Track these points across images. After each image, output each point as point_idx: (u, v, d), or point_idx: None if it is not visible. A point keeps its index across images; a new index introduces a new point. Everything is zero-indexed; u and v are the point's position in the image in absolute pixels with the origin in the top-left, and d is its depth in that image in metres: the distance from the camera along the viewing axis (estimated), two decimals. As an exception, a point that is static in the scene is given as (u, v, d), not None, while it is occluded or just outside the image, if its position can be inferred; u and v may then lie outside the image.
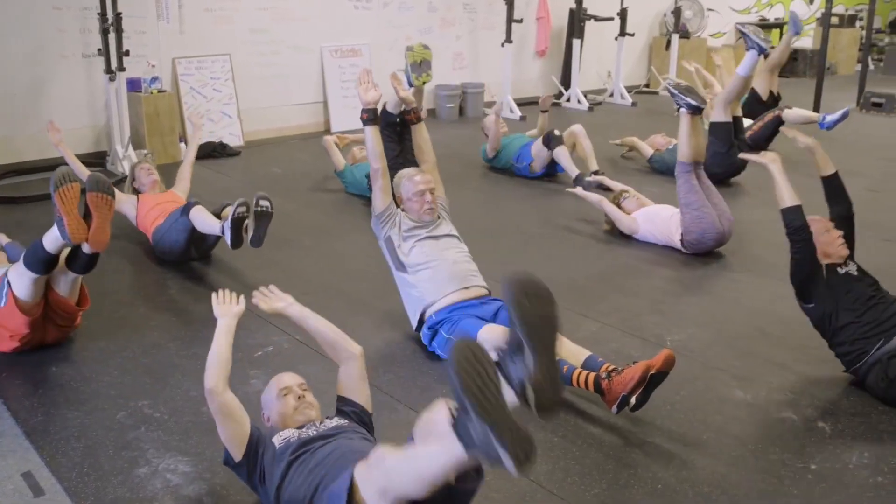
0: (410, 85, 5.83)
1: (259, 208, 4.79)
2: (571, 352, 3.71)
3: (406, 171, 4.35)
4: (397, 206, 4.32)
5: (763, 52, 6.57)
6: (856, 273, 3.94)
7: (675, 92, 5.52)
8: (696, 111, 5.43)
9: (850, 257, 4.02)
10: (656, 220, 5.74)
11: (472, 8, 10.58)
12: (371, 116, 4.25)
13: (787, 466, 3.24)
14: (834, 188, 4.21)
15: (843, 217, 4.13)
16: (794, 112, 7.73)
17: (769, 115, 7.89)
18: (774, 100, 8.47)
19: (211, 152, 8.06)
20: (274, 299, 3.24)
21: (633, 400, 3.40)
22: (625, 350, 4.15)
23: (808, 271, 3.88)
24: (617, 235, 5.93)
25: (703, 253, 5.53)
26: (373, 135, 4.23)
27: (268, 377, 3.19)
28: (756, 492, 3.09)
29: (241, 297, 3.16)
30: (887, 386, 3.65)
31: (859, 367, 3.75)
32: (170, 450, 3.29)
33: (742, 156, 4.99)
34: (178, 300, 4.84)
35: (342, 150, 7.14)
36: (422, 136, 4.52)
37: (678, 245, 5.56)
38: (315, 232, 6.01)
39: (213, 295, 3.14)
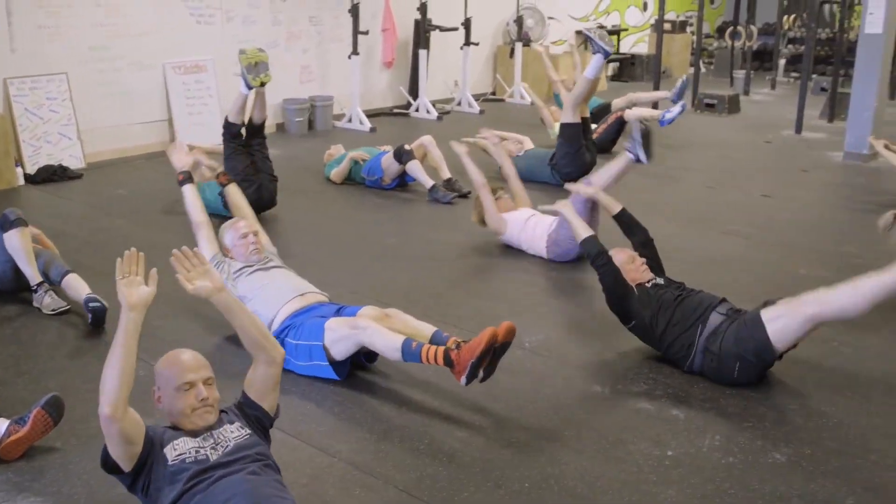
0: (249, 88, 5.76)
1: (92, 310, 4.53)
2: (417, 329, 3.81)
3: (227, 223, 4.46)
4: (225, 256, 4.41)
5: (607, 55, 6.79)
6: (662, 282, 4.25)
7: (593, 36, 5.91)
8: (606, 56, 6.27)
9: (660, 274, 4.36)
10: (525, 229, 5.75)
11: (318, 21, 10.54)
12: (186, 178, 4.61)
13: (646, 455, 3.37)
14: (626, 223, 4.61)
15: (644, 243, 4.50)
16: (634, 111, 8.08)
17: (612, 117, 8.22)
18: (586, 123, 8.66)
19: (50, 176, 7.71)
20: (199, 274, 2.83)
21: (480, 371, 3.47)
22: (486, 354, 4.21)
23: (620, 293, 4.13)
24: (478, 237, 5.97)
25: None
26: (190, 193, 4.55)
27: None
28: (618, 482, 3.19)
29: (154, 272, 2.67)
30: (718, 362, 3.86)
31: (692, 359, 3.95)
32: (22, 490, 3.13)
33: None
34: (23, 329, 4.60)
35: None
36: (233, 198, 4.79)
37: (542, 253, 5.66)
38: (166, 254, 5.82)
39: (118, 263, 2.64)
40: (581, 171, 7.40)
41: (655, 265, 4.39)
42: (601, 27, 15.00)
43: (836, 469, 3.29)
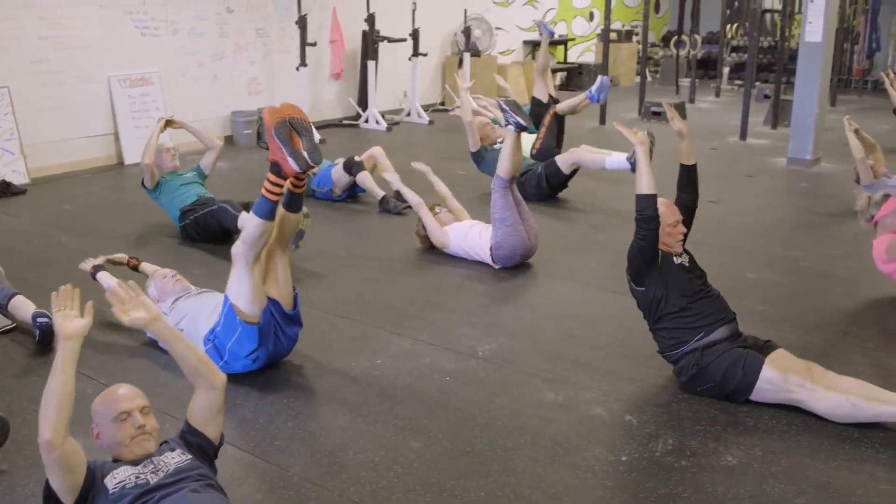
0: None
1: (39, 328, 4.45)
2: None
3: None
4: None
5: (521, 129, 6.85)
6: (688, 265, 4.10)
7: (507, 108, 5.67)
8: (521, 129, 5.60)
9: (685, 249, 4.18)
10: (469, 235, 5.82)
11: (265, 32, 10.49)
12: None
13: (600, 460, 3.39)
14: (689, 178, 4.34)
15: (687, 207, 4.27)
16: (563, 104, 8.16)
17: (546, 120, 8.20)
18: (554, 101, 8.74)
19: (-7, 192, 7.58)
20: (134, 306, 2.81)
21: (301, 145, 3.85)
22: (438, 364, 4.22)
23: (648, 259, 3.96)
24: (428, 252, 5.99)
25: (512, 267, 5.68)
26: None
27: (73, 427, 3.01)
28: (573, 488, 3.21)
29: (90, 304, 2.68)
30: (696, 373, 3.87)
31: (675, 353, 3.94)
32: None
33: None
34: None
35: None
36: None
37: (489, 260, 5.69)
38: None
39: (54, 295, 2.68)
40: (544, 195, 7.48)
41: (685, 234, 4.18)
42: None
43: (787, 469, 3.34)
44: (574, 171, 7.37)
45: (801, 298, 5.26)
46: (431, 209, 6.03)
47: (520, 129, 5.56)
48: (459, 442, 3.52)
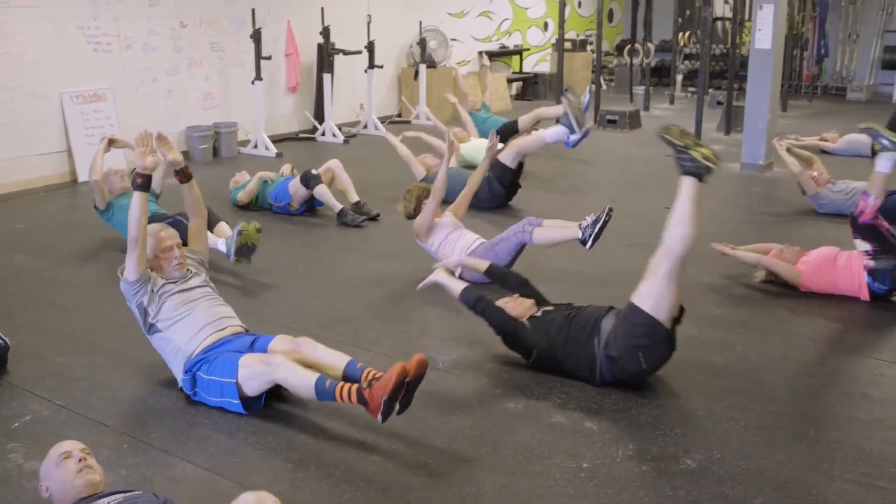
0: (228, 257, 5.56)
1: None
2: (330, 361, 3.80)
3: (149, 229, 4.10)
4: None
5: (573, 133, 7.00)
6: (551, 308, 4.33)
7: (569, 110, 5.85)
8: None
9: (546, 303, 4.44)
10: (447, 240, 5.73)
11: (220, 47, 10.43)
12: (144, 183, 3.98)
13: (562, 468, 3.41)
14: (498, 275, 4.85)
15: (521, 285, 4.59)
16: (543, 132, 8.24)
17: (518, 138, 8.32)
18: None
19: (-57, 212, 7.45)
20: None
21: (396, 405, 3.47)
22: (400, 375, 4.21)
23: (510, 329, 4.22)
24: (390, 262, 5.97)
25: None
26: (140, 202, 3.93)
27: (28, 450, 2.99)
28: (535, 496, 3.22)
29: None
30: (622, 363, 3.95)
31: (600, 370, 4.03)
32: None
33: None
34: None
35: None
36: (192, 194, 4.38)
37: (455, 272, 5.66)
38: (70, 288, 5.69)
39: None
40: (497, 205, 7.50)
41: (539, 300, 4.45)
42: (503, 47, 15.21)
43: (745, 471, 3.38)
44: (521, 165, 7.39)
45: (756, 302, 5.34)
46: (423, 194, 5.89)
47: (571, 132, 5.75)
48: (421, 453, 3.52)
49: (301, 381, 3.63)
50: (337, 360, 3.81)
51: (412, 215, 5.85)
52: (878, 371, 4.40)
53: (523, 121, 9.32)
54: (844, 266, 5.28)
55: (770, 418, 3.81)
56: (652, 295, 3.88)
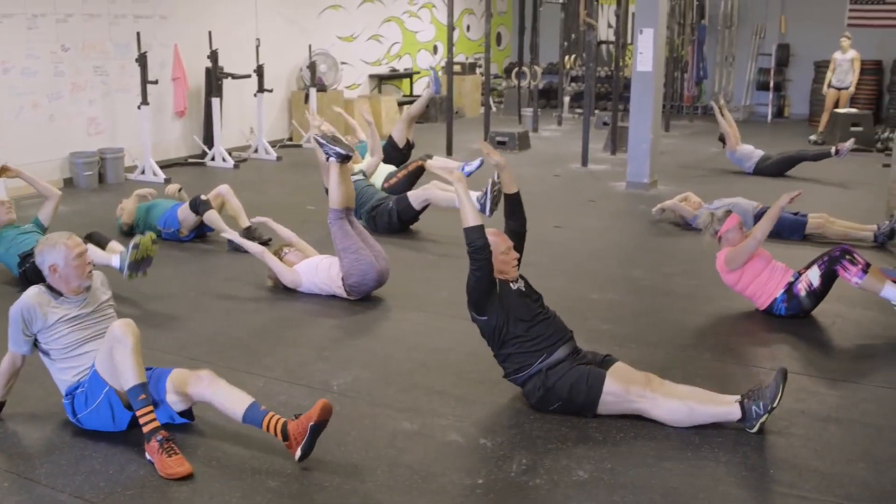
0: (121, 271, 5.40)
1: None
2: (230, 409, 3.73)
3: (55, 237, 3.96)
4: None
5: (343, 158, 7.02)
6: (524, 289, 4.23)
7: (323, 142, 5.67)
8: (344, 160, 5.61)
9: (520, 275, 4.31)
10: (318, 270, 5.81)
11: (104, 71, 10.19)
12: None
13: (457, 485, 3.44)
14: (513, 206, 4.50)
15: (516, 233, 4.44)
16: (435, 161, 8.30)
17: (413, 165, 8.38)
18: (409, 147, 9.03)
19: None
20: None
21: (298, 451, 3.54)
22: (293, 401, 4.18)
23: (486, 288, 4.06)
24: (280, 290, 5.93)
25: (365, 296, 5.71)
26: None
27: None
28: (431, 515, 3.24)
29: None
30: (544, 393, 4.00)
31: (521, 376, 4.06)
32: None
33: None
34: None
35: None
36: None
37: (342, 293, 5.69)
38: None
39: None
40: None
41: (518, 262, 4.32)
42: (393, 70, 15.30)
43: (635, 479, 3.48)
44: (425, 207, 7.48)
45: (643, 316, 5.49)
46: (278, 252, 6.02)
47: (341, 158, 5.59)
48: (317, 477, 3.50)
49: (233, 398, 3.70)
50: (237, 405, 3.71)
51: (279, 284, 5.99)
52: (758, 378, 4.57)
53: (398, 133, 9.22)
54: (773, 271, 5.45)
55: (657, 428, 3.92)
56: (615, 399, 3.92)
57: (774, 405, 3.77)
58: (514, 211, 4.50)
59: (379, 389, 4.36)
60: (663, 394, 3.90)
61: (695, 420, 3.86)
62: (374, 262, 5.62)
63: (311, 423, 3.51)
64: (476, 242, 4.01)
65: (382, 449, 3.74)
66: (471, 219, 4.03)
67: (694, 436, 3.82)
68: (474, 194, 6.48)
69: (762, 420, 3.79)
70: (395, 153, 8.83)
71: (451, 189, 7.23)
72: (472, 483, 3.46)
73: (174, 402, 3.81)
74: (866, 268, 5.15)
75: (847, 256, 5.20)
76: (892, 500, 3.35)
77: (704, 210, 7.59)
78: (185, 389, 3.77)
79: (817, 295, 5.31)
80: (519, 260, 4.33)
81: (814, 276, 5.29)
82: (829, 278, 5.27)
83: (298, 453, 3.53)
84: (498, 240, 4.17)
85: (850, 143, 9.91)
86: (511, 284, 4.17)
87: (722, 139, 10.90)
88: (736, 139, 10.56)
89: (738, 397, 3.87)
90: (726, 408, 3.86)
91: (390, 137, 9.01)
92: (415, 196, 7.41)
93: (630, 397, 3.91)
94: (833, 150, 9.93)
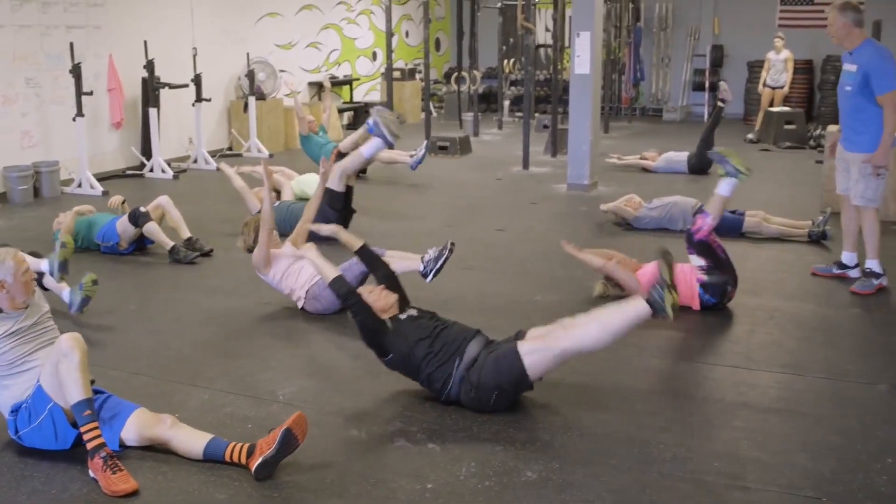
0: (51, 273, 5.30)
1: None
2: (186, 450, 3.69)
3: (2, 253, 3.83)
4: None
5: (387, 145, 7.04)
6: (416, 314, 4.35)
7: (378, 121, 5.91)
8: (389, 145, 6.20)
9: (407, 304, 4.46)
10: (290, 271, 5.62)
11: (36, 82, 9.99)
12: None
13: (407, 490, 3.44)
14: (368, 258, 4.71)
15: (387, 277, 4.61)
16: (385, 154, 8.33)
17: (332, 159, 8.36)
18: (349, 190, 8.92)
19: None
20: None
21: (259, 459, 3.50)
22: (239, 412, 4.15)
23: (373, 328, 4.18)
24: (224, 299, 5.86)
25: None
26: None
27: None
28: (381, 521, 3.24)
29: None
30: (476, 393, 4.04)
31: (450, 389, 4.10)
32: None
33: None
34: None
35: None
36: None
37: (299, 303, 5.61)
38: None
39: None
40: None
41: (402, 298, 4.48)
42: (333, 77, 15.25)
43: (583, 478, 3.51)
44: (350, 189, 7.34)
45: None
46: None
47: (387, 144, 5.64)
48: (266, 488, 3.48)
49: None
50: (198, 442, 3.68)
51: (251, 248, 5.75)
52: (702, 374, 4.67)
53: (344, 146, 9.23)
54: (680, 278, 5.55)
55: (604, 426, 3.97)
56: (537, 355, 3.98)
57: (666, 279, 3.92)
58: (372, 262, 4.75)
59: (326, 398, 4.35)
60: (575, 324, 4.02)
61: (611, 330, 3.96)
62: None
63: (284, 428, 3.49)
64: (342, 290, 4.28)
65: (331, 457, 3.72)
66: (329, 274, 4.40)
67: (639, 431, 3.87)
68: (431, 251, 6.23)
69: (668, 298, 3.91)
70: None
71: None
72: (422, 488, 3.46)
73: (129, 440, 3.75)
74: (701, 210, 5.62)
75: (689, 229, 5.59)
76: (831, 486, 3.44)
77: (644, 210, 7.72)
78: (147, 433, 3.73)
79: (716, 266, 5.51)
80: (404, 294, 4.53)
81: (696, 261, 5.55)
82: (705, 250, 5.49)
83: (258, 461, 3.47)
84: (376, 292, 4.35)
85: (723, 84, 10.46)
86: (400, 316, 4.31)
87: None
88: (652, 158, 10.76)
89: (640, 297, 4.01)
90: (633, 307, 3.98)
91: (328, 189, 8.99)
92: (331, 180, 6.97)
93: (549, 344, 3.98)
94: (719, 101, 10.33)
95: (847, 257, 6.23)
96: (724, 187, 5.46)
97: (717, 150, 5.63)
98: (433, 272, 5.39)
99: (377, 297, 4.31)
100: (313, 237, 5.87)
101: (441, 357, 4.11)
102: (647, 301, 3.93)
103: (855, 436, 3.87)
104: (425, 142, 8.19)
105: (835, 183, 6.30)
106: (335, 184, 7.26)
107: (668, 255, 4.04)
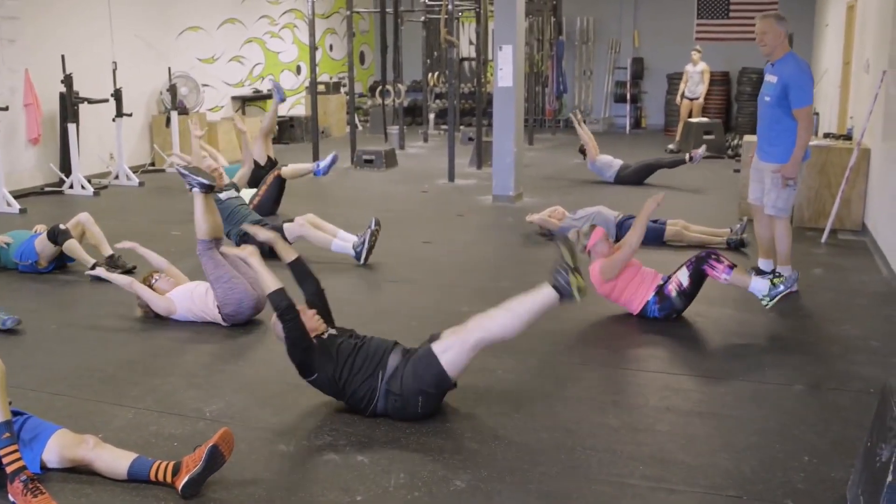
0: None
1: None
2: (111, 471, 3.63)
3: None
4: None
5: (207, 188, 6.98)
6: (335, 332, 4.37)
7: (186, 172, 5.53)
8: (207, 189, 5.50)
9: (331, 323, 4.47)
10: (194, 296, 5.66)
11: (-52, 99, 9.75)
12: None
13: (336, 504, 3.44)
14: (300, 272, 4.60)
15: (316, 293, 4.57)
16: (289, 168, 8.39)
17: (269, 178, 8.44)
18: (272, 163, 9.08)
19: None
20: None
21: (185, 478, 3.45)
22: (164, 431, 4.09)
23: (304, 346, 4.16)
24: (151, 319, 5.76)
25: (243, 323, 5.62)
26: None
27: None
28: (311, 535, 3.22)
29: None
30: (402, 402, 4.07)
31: (374, 404, 4.12)
32: None
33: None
34: None
35: None
36: None
37: (217, 319, 5.58)
38: None
39: None
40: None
41: (326, 315, 4.49)
42: (256, 91, 15.14)
43: (512, 485, 3.54)
44: (270, 161, 7.57)
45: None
46: (147, 280, 5.82)
47: (204, 188, 5.48)
48: (192, 506, 3.44)
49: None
50: (122, 462, 3.61)
51: (151, 313, 5.78)
52: (627, 380, 4.75)
53: (258, 151, 9.32)
54: (637, 279, 5.63)
55: (531, 433, 4.01)
56: (453, 351, 4.04)
57: (569, 263, 4.02)
58: (302, 277, 4.61)
59: (253, 413, 4.31)
60: (486, 316, 4.12)
61: (521, 315, 4.07)
62: (248, 289, 5.53)
63: (210, 445, 3.46)
64: (281, 304, 4.16)
65: (259, 472, 3.69)
66: (271, 285, 4.20)
67: (566, 438, 3.93)
68: (351, 238, 6.44)
69: (574, 281, 4.00)
70: (258, 171, 8.87)
71: (327, 229, 7.17)
72: (351, 500, 3.46)
73: (51, 462, 3.66)
74: (732, 266, 5.41)
75: (713, 256, 5.47)
76: (752, 485, 3.53)
77: (568, 220, 7.84)
78: (69, 454, 3.65)
79: (688, 295, 5.54)
80: (326, 311, 4.51)
81: (683, 276, 5.53)
82: (697, 278, 5.51)
83: (185, 479, 3.43)
84: (304, 314, 4.28)
85: (702, 150, 10.43)
86: (323, 336, 4.30)
87: (582, 150, 11.29)
88: (595, 150, 10.92)
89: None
90: (541, 294, 4.08)
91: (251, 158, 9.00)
92: (289, 230, 7.19)
93: (463, 338, 4.06)
94: (687, 156, 10.42)
95: (763, 264, 6.42)
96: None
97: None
98: (365, 253, 6.10)
99: (308, 318, 4.28)
100: (250, 240, 5.88)
101: (364, 372, 4.12)
102: (554, 286, 4.03)
103: (774, 435, 3.98)
104: (334, 152, 8.29)
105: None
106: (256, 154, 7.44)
107: (568, 241, 4.15)
